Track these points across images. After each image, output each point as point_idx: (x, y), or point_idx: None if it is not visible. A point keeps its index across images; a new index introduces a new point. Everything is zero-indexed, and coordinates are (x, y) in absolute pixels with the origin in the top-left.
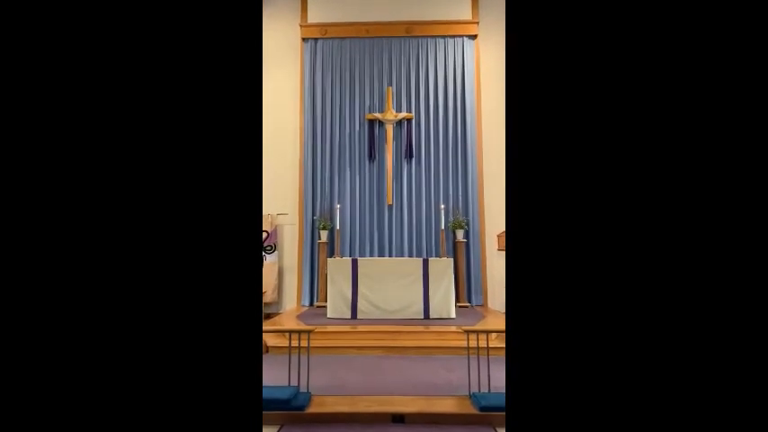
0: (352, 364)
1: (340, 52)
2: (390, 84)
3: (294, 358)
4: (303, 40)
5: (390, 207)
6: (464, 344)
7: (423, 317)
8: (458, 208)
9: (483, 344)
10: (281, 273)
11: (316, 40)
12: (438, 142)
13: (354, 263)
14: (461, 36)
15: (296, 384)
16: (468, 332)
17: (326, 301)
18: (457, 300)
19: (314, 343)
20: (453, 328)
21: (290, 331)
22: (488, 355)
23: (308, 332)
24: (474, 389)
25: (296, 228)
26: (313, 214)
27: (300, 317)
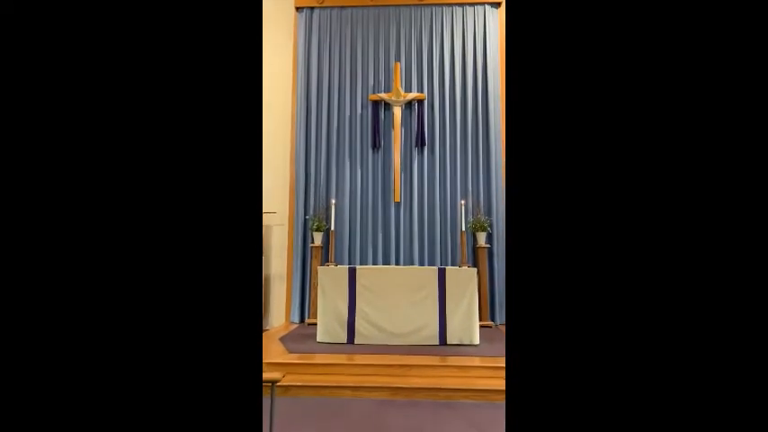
0: (343, 416)
1: (340, 23)
2: (399, 59)
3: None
4: (297, 9)
5: (398, 205)
6: (494, 384)
7: (438, 342)
8: (479, 207)
9: None
10: (268, 282)
11: (311, 9)
12: (455, 128)
13: (352, 272)
14: (483, 4)
15: None
16: None
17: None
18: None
19: (296, 379)
20: (478, 361)
21: None
22: None
23: (272, 383)
24: None
25: (285, 229)
26: (305, 213)
27: (285, 339)
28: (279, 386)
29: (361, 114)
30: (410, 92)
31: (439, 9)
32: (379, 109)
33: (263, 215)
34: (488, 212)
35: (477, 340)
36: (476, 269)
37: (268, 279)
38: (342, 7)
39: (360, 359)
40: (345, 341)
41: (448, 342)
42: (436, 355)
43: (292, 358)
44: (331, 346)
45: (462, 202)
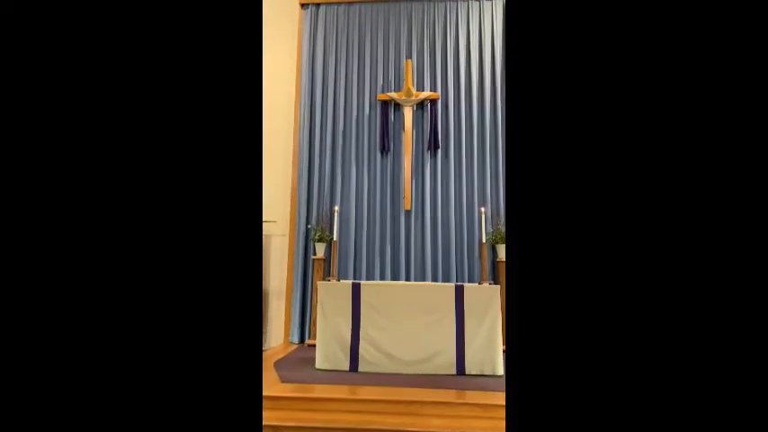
0: None
1: (347, 19)
2: (410, 56)
3: None
4: (302, 6)
5: (408, 213)
6: None
7: (455, 372)
8: (498, 217)
9: None
10: (267, 297)
11: (317, 5)
12: (471, 129)
13: (356, 289)
14: None
15: None
16: None
17: None
18: None
19: (287, 417)
20: (503, 399)
21: None
22: None
23: None
24: None
25: (286, 239)
26: (308, 222)
27: (280, 364)
28: (267, 426)
29: (369, 115)
30: (422, 91)
31: (454, 3)
32: (389, 109)
33: (264, 224)
34: None
35: (500, 370)
36: (498, 287)
37: (267, 294)
38: (349, 3)
39: (364, 392)
40: (348, 369)
41: (467, 372)
42: (453, 389)
43: (285, 390)
44: (331, 375)
45: (482, 209)
